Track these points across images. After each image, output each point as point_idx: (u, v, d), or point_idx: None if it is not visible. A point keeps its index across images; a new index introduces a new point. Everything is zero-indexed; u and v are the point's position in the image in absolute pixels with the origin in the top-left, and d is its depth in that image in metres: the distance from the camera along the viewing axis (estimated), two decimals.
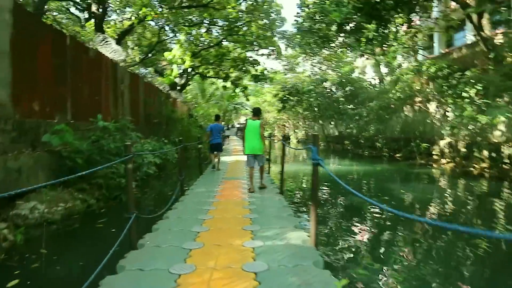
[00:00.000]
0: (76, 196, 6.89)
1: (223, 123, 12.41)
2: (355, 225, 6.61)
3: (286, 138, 47.70)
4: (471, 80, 11.41)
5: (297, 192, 9.93)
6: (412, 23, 10.26)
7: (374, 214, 7.36)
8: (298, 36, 17.35)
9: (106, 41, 12.36)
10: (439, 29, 21.75)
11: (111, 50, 12.47)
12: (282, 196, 6.48)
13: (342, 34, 13.70)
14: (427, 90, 16.18)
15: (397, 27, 8.44)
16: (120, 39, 17.66)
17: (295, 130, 45.23)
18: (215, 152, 11.22)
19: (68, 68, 9.32)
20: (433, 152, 16.79)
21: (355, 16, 8.57)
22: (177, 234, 4.08)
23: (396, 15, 7.99)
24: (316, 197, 3.68)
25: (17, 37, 7.12)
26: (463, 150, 14.65)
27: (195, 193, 6.70)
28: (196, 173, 10.92)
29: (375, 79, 24.25)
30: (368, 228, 6.49)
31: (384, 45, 9.47)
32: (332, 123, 28.01)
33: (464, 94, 11.25)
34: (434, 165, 15.89)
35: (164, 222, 4.67)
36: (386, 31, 8.14)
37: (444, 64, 13.43)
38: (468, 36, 21.53)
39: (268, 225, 4.35)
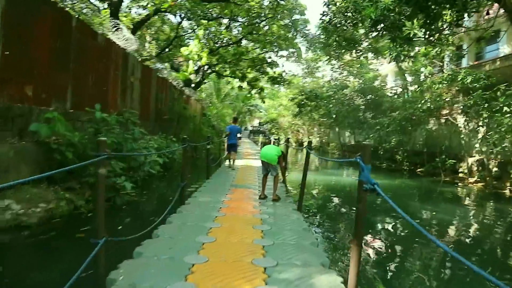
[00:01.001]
0: (61, 195, 5.99)
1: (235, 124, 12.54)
2: (408, 269, 5.10)
3: (300, 144, 46.69)
4: None
5: (316, 209, 8.75)
6: (461, 22, 9.17)
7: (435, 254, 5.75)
8: (322, 36, 16.32)
9: (118, 28, 11.53)
10: (469, 40, 20.53)
11: (123, 38, 11.65)
12: (301, 214, 5.45)
13: (371, 36, 12.71)
14: (458, 102, 15.01)
15: (443, 26, 7.42)
16: (135, 30, 16.90)
17: (310, 136, 44.09)
18: (232, 152, 12.00)
19: (72, 52, 8.48)
20: (460, 170, 15.58)
21: (392, 14, 7.54)
22: (164, 266, 3.06)
23: (446, 12, 6.96)
24: (361, 234, 2.66)
25: (11, 12, 6.29)
26: (495, 169, 13.44)
27: (197, 203, 5.72)
28: (202, 176, 10.00)
29: (397, 88, 23.02)
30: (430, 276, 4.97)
31: (431, 44, 8.42)
32: (349, 131, 26.85)
33: (506, 109, 10.10)
34: (460, 184, 14.68)
35: (151, 245, 3.63)
36: (433, 27, 7.12)
37: (482, 74, 12.25)
38: (502, 49, 20.27)
39: (287, 259, 3.32)
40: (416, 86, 17.24)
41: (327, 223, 7.24)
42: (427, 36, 7.67)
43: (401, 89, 22.22)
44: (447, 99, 13.91)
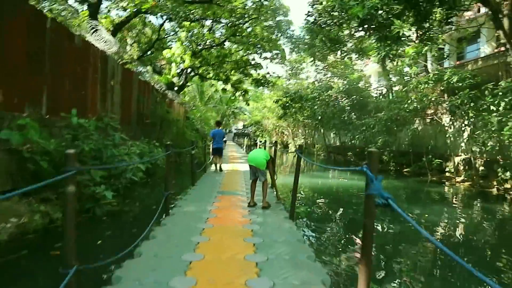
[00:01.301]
0: (36, 208, 5.55)
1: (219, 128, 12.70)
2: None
3: (285, 146, 46.54)
4: (500, 93, 10.18)
5: (308, 216, 8.20)
6: (451, 20, 9.02)
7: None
8: (307, 37, 16.10)
9: (97, 30, 11.08)
10: (451, 40, 20.66)
11: (101, 40, 11.20)
12: (293, 223, 5.15)
13: (356, 36, 12.54)
14: (443, 101, 14.99)
15: (432, 24, 7.25)
16: (115, 32, 16.40)
17: (294, 138, 43.96)
18: (217, 156, 12.25)
19: (47, 55, 8.02)
20: (446, 169, 15.58)
21: (380, 12, 7.33)
22: None
23: (436, 9, 6.80)
24: (370, 252, 2.36)
25: None
26: (482, 168, 13.44)
27: (182, 214, 5.35)
28: (187, 183, 9.63)
29: (382, 89, 23.04)
30: None
31: (423, 42, 8.24)
32: (334, 132, 26.78)
33: (493, 108, 10.03)
34: (447, 183, 14.65)
35: (132, 267, 3.22)
36: (424, 25, 6.94)
37: (468, 74, 12.20)
38: (482, 48, 20.47)
39: (283, 279, 2.99)
40: (401, 86, 17.20)
41: (321, 231, 6.79)
42: (419, 34, 7.49)
43: (385, 90, 22.23)
44: (432, 99, 13.84)
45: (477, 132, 10.71)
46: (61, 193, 6.34)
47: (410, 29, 7.44)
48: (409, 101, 13.84)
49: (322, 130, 29.02)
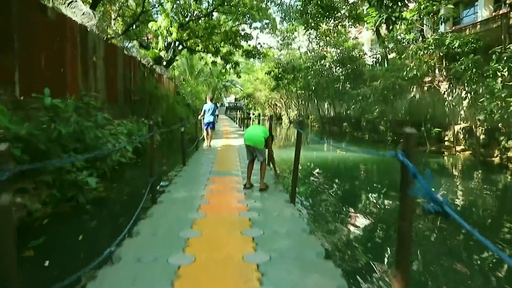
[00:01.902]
0: (11, 200, 5.00)
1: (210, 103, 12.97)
2: None
3: (277, 118, 45.92)
4: (505, 58, 9.61)
5: (309, 197, 7.34)
6: None
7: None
8: (299, 2, 15.24)
9: (72, 1, 10.20)
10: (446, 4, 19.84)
11: (79, 13, 10.35)
12: (295, 208, 4.67)
13: (351, 1, 11.81)
14: (444, 68, 14.41)
15: None
16: (95, 4, 15.39)
17: (288, 110, 43.35)
18: (209, 129, 12.52)
19: (15, 30, 7.28)
20: (445, 138, 15.18)
21: None
22: None
23: None
24: (406, 264, 1.86)
25: None
26: (483, 137, 13.03)
27: (171, 201, 4.82)
28: (179, 161, 9.10)
29: (378, 57, 22.32)
30: None
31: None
32: (328, 103, 26.19)
33: (498, 73, 9.49)
34: (446, 153, 14.30)
35: (109, 276, 2.71)
36: None
37: (470, 38, 11.56)
38: (480, 12, 19.71)
39: (292, 285, 2.55)
40: (398, 54, 16.53)
41: (327, 217, 5.96)
42: None
43: (380, 58, 21.54)
44: (432, 65, 13.23)
45: (481, 100, 10.19)
46: (40, 182, 5.80)
47: None
48: (408, 69, 13.23)
49: (316, 101, 28.42)
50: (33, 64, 7.90)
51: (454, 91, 14.76)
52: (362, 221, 5.69)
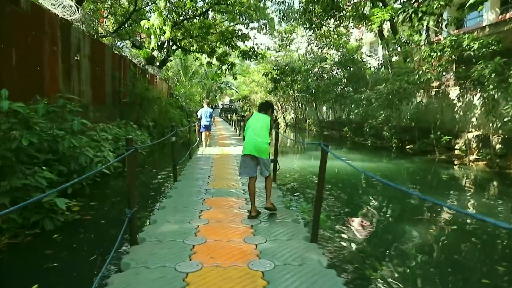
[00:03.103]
0: None
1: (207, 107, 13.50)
2: None
3: (273, 121, 44.93)
4: None
5: (333, 232, 5.25)
6: None
7: None
8: (303, 1, 14.22)
9: None
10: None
11: (58, 5, 9.26)
12: (320, 252, 3.50)
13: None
14: (461, 72, 13.46)
15: None
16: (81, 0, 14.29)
17: (284, 113, 42.40)
18: (207, 131, 13.27)
19: None
20: (456, 147, 14.23)
21: None
22: None
23: None
24: None
25: None
26: (499, 146, 12.09)
27: (156, 239, 3.62)
28: (169, 176, 8.04)
29: (380, 60, 21.39)
30: None
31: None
32: (328, 107, 25.22)
33: None
34: (457, 162, 13.33)
35: None
36: None
37: (490, 40, 10.58)
38: (486, 15, 18.84)
39: None
40: (404, 56, 15.59)
41: (364, 266, 4.09)
42: None
43: (382, 61, 20.61)
44: (448, 68, 12.27)
45: (506, 108, 9.23)
46: None
47: None
48: (420, 72, 12.26)
49: (314, 104, 27.45)
50: (1, 61, 6.82)
51: (465, 96, 13.85)
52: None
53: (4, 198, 4.60)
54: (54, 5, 9.11)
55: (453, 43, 11.14)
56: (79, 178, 2.93)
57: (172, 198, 5.35)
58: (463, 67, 12.56)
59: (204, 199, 5.30)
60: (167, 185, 7.67)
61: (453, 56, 12.65)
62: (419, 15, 7.09)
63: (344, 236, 5.07)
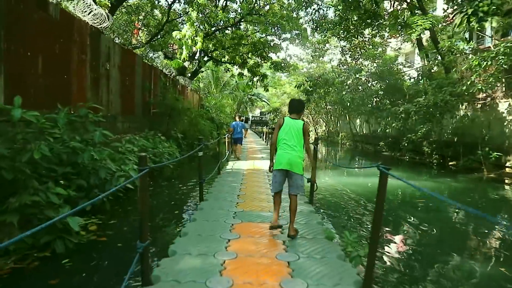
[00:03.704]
0: None
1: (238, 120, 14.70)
2: None
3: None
4: None
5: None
6: None
7: None
8: (340, 7, 13.56)
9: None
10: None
11: (89, 12, 9.04)
12: None
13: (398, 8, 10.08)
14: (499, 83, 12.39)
15: None
16: (114, 8, 14.22)
17: (316, 126, 41.50)
18: (238, 144, 13.98)
19: (2, 25, 5.92)
20: (507, 164, 13.02)
21: None
22: None
23: None
24: None
25: None
26: None
27: (174, 274, 2.94)
28: (195, 194, 7.47)
29: (418, 70, 20.30)
30: None
31: None
32: (364, 120, 24.20)
33: None
34: (508, 181, 12.18)
35: None
36: None
37: None
38: None
39: None
40: (451, 66, 14.56)
41: None
42: None
43: (421, 71, 19.54)
44: (497, 78, 11.22)
45: None
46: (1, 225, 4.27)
47: None
48: (468, 83, 11.28)
49: (348, 117, 26.50)
50: (25, 68, 6.52)
51: None
52: None
53: (12, 216, 4.15)
54: (84, 11, 8.89)
55: (508, 50, 10.13)
56: (92, 200, 2.44)
57: (196, 222, 4.73)
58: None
59: (232, 225, 4.65)
60: (192, 205, 7.11)
61: (504, 65, 11.60)
62: (480, 16, 6.28)
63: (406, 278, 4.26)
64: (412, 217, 7.51)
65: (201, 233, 4.21)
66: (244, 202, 6.03)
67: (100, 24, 9.55)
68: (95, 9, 9.26)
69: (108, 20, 9.71)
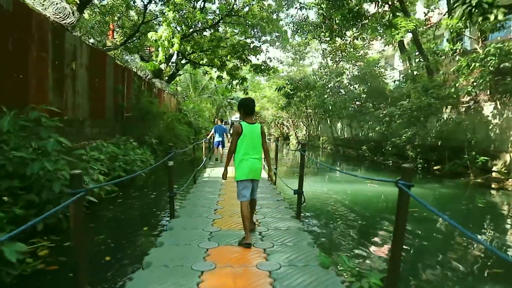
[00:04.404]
0: None
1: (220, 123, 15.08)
2: None
3: (284, 138, 43.53)
4: None
5: None
6: None
7: None
8: (323, 5, 13.04)
9: None
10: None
11: (49, 7, 8.15)
12: None
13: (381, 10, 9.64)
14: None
15: None
16: (83, 6, 13.29)
17: (296, 130, 41.05)
18: (219, 147, 14.06)
19: None
20: (494, 169, 12.70)
21: None
22: None
23: None
24: None
25: None
26: None
27: None
28: (164, 210, 6.68)
29: (402, 73, 20.04)
30: None
31: None
32: (346, 124, 23.81)
33: None
34: (495, 186, 11.84)
35: None
36: None
37: None
38: None
39: None
40: (440, 67, 14.22)
41: None
42: None
43: (403, 74, 19.27)
44: (485, 81, 10.87)
45: None
46: None
47: None
48: (456, 85, 10.89)
49: (329, 121, 26.08)
50: None
51: (503, 112, 12.40)
52: None
53: None
54: (44, 6, 8.00)
55: (498, 51, 9.77)
56: (35, 220, 1.71)
57: (163, 247, 3.91)
58: (505, 80, 11.16)
59: (207, 250, 3.82)
60: (161, 223, 6.31)
61: (491, 67, 11.27)
62: (485, 9, 5.80)
63: None
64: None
65: (168, 264, 3.40)
66: (222, 218, 5.25)
67: (64, 20, 8.67)
68: (57, 3, 8.38)
69: (73, 16, 8.83)
